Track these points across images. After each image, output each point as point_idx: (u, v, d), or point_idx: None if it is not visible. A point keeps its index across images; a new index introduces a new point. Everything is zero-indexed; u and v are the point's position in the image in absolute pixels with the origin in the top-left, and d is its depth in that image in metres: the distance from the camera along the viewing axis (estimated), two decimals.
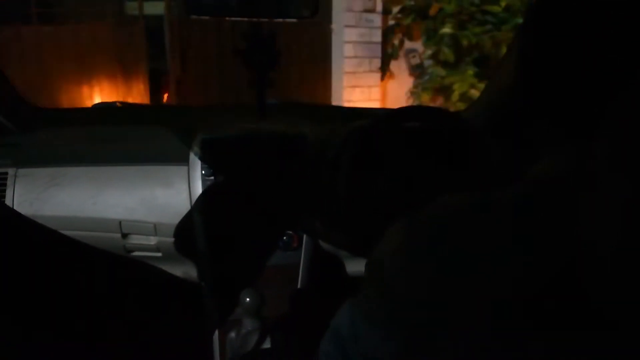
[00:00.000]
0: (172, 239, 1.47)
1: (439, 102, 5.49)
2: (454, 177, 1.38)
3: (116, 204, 1.44)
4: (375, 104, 5.95)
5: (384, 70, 5.97)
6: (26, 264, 1.28)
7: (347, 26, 5.60)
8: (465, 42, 5.14)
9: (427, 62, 5.69)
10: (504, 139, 1.60)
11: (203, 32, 5.13)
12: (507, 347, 0.45)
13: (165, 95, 5.31)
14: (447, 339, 0.50)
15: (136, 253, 1.55)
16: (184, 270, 1.59)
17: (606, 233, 0.43)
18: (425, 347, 0.51)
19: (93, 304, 1.50)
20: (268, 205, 1.48)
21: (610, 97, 0.45)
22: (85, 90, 4.87)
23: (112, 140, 1.56)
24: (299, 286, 1.50)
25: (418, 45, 5.76)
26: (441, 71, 5.41)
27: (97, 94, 4.93)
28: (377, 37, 5.78)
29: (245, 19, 1.32)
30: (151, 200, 1.44)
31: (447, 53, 5.24)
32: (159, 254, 1.53)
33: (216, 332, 1.41)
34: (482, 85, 4.88)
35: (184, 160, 1.44)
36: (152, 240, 1.49)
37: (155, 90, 5.29)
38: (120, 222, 1.45)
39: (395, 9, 5.69)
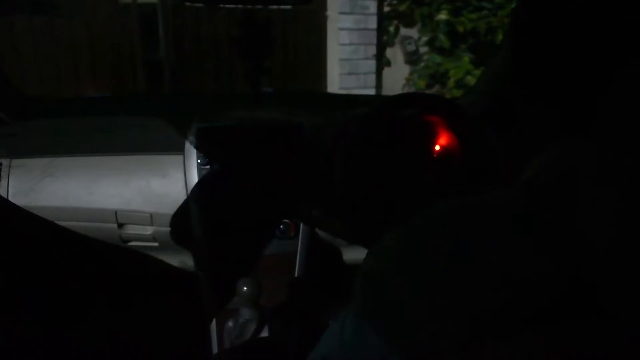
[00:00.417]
0: (169, 229, 1.47)
1: (435, 89, 5.48)
2: (449, 164, 1.38)
3: (112, 194, 1.43)
4: (371, 92, 5.93)
5: (380, 57, 5.95)
6: (21, 256, 1.28)
7: (342, 13, 5.57)
8: (461, 29, 5.12)
9: (423, 49, 5.67)
10: (500, 126, 1.60)
11: (197, 21, 5.09)
12: (507, 346, 0.44)
13: (160, 84, 5.29)
14: (448, 343, 0.49)
15: (132, 243, 1.55)
16: (181, 259, 1.59)
17: (604, 228, 0.43)
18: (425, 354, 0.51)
19: (89, 295, 1.50)
20: (264, 194, 1.47)
21: (605, 89, 0.44)
22: (79, 79, 4.85)
23: (106, 130, 1.55)
24: (296, 275, 1.50)
25: (414, 31, 5.74)
26: (437, 58, 5.39)
27: (92, 84, 4.91)
28: (373, 23, 5.76)
29: (240, 6, 1.30)
30: (147, 190, 1.43)
31: (443, 40, 5.22)
32: (156, 244, 1.53)
33: (213, 322, 1.41)
34: (478, 72, 4.87)
35: (180, 150, 1.44)
36: (149, 230, 1.49)
37: (149, 79, 5.27)
38: (116, 212, 1.44)
39: None
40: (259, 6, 1.31)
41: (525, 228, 0.49)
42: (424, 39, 5.52)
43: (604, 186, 0.42)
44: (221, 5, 1.48)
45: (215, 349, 1.40)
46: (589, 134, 0.44)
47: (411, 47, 5.86)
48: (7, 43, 4.42)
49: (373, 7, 5.70)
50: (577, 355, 0.40)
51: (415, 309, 0.52)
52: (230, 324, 1.33)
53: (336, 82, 5.76)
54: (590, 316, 0.44)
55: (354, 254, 1.67)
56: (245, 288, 1.25)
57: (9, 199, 1.40)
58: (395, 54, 6.01)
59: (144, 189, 1.43)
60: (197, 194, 1.42)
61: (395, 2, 5.61)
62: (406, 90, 5.64)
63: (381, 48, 5.92)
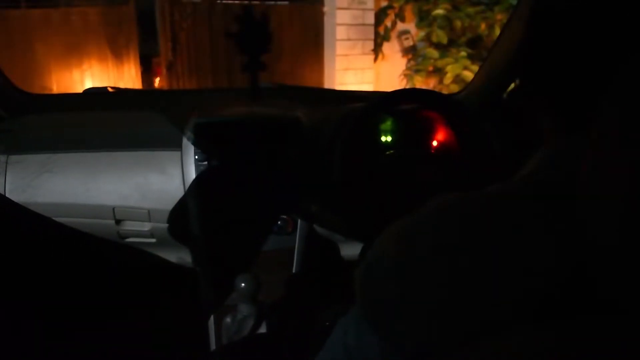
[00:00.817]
0: (166, 225, 1.47)
1: (432, 84, 5.48)
2: (447, 159, 1.38)
3: (109, 190, 1.43)
4: (369, 87, 5.93)
5: (377, 52, 5.94)
6: (19, 252, 1.27)
7: (339, 8, 5.56)
8: (458, 24, 5.12)
9: (420, 44, 5.67)
10: (497, 121, 1.60)
11: (194, 15, 5.08)
12: (509, 342, 0.44)
13: (157, 79, 5.28)
14: (448, 339, 0.49)
15: (130, 239, 1.54)
16: (179, 255, 1.59)
17: (604, 224, 0.43)
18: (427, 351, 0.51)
19: (87, 291, 1.50)
20: (262, 190, 1.47)
21: (606, 86, 0.44)
22: (76, 75, 4.83)
23: (104, 125, 1.54)
24: (294, 271, 1.50)
25: (411, 26, 5.74)
26: (434, 53, 5.39)
27: (88, 79, 4.89)
28: (370, 19, 5.75)
29: (237, 1, 1.30)
30: (145, 186, 1.43)
31: (440, 35, 5.22)
32: (153, 240, 1.53)
33: (212, 318, 1.41)
34: (475, 67, 4.87)
35: (177, 146, 1.43)
36: (146, 226, 1.49)
37: (146, 75, 5.26)
38: (113, 209, 1.44)
39: None
40: (257, 1, 1.30)
41: (525, 222, 0.49)
42: (421, 34, 5.51)
43: (603, 183, 0.42)
44: (219, 0, 1.47)
45: (213, 345, 1.40)
46: (589, 130, 0.44)
47: (408, 42, 5.85)
48: (3, 37, 4.40)
49: (370, 3, 5.69)
50: (582, 351, 0.40)
51: (414, 307, 0.52)
52: (229, 320, 1.33)
53: (334, 77, 5.75)
54: (595, 311, 0.44)
55: (351, 250, 1.67)
56: (243, 284, 1.25)
57: (7, 195, 1.40)
58: (392, 49, 6.00)
59: (141, 185, 1.43)
60: (195, 190, 1.42)
61: None
62: (403, 85, 5.64)
63: (378, 43, 5.91)
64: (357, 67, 5.83)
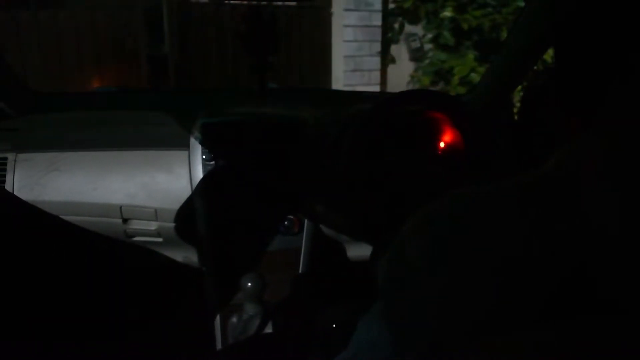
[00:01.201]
0: (173, 224, 1.47)
1: (439, 86, 5.47)
2: (453, 160, 1.38)
3: (117, 189, 1.44)
4: (376, 88, 5.92)
5: (384, 54, 5.94)
6: (27, 250, 1.28)
7: (346, 10, 5.56)
8: (465, 26, 5.11)
9: (428, 46, 5.66)
10: (503, 122, 1.60)
11: (202, 16, 5.09)
12: (515, 340, 0.44)
13: (165, 80, 5.29)
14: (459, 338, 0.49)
15: (137, 238, 1.55)
16: (185, 255, 1.59)
17: (609, 221, 0.43)
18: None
19: (94, 289, 1.51)
20: (269, 190, 1.47)
21: (616, 84, 0.44)
22: (84, 74, 4.85)
23: (111, 125, 1.55)
24: (300, 271, 1.50)
25: (418, 29, 5.73)
26: (441, 55, 5.38)
27: (96, 79, 4.91)
28: (377, 20, 5.75)
29: (245, 2, 1.30)
30: (152, 185, 1.44)
31: (448, 37, 5.21)
32: (160, 239, 1.53)
33: (217, 317, 1.41)
34: (482, 69, 4.86)
35: (185, 145, 1.44)
36: (153, 226, 1.49)
37: (154, 75, 5.27)
38: (120, 208, 1.45)
39: None
40: (264, 2, 1.31)
41: (527, 220, 0.49)
42: (429, 36, 5.51)
43: (610, 180, 0.42)
44: (227, 1, 1.47)
45: (219, 345, 1.40)
46: (598, 128, 0.44)
47: (416, 44, 5.85)
48: (12, 37, 4.43)
49: (378, 4, 5.69)
50: (585, 350, 0.40)
51: (427, 306, 0.52)
52: (234, 319, 1.33)
53: (341, 78, 5.75)
54: (595, 311, 0.44)
55: (358, 250, 1.67)
56: (249, 284, 1.25)
57: (15, 193, 1.41)
58: (399, 51, 6.00)
59: (148, 185, 1.44)
60: (202, 190, 1.42)
61: None
62: (410, 87, 5.63)
63: (386, 45, 5.91)
64: (364, 69, 5.83)
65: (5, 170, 1.43)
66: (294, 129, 1.47)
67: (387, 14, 5.75)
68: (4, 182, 1.42)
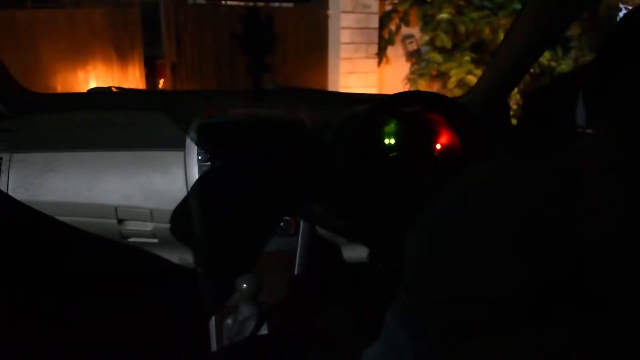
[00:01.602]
0: (169, 225, 1.47)
1: (436, 88, 5.48)
2: (450, 162, 1.38)
3: (112, 190, 1.43)
4: (372, 90, 5.93)
5: (381, 56, 5.95)
6: (21, 250, 1.28)
7: (343, 12, 5.57)
8: (462, 28, 5.12)
9: (424, 48, 5.67)
10: (501, 125, 1.60)
11: (199, 17, 5.08)
12: (519, 337, 0.44)
13: (161, 80, 5.28)
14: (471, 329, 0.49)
15: (132, 239, 1.54)
16: (181, 256, 1.59)
17: (606, 225, 0.43)
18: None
19: (88, 290, 1.50)
20: (265, 191, 1.47)
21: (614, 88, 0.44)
22: (80, 75, 4.84)
23: (107, 125, 1.54)
24: (295, 272, 1.50)
25: (415, 31, 5.74)
26: (438, 57, 5.39)
27: (93, 79, 4.90)
28: (374, 23, 5.76)
29: (242, 3, 1.30)
30: (147, 186, 1.43)
31: (444, 39, 5.22)
32: (155, 240, 1.53)
33: (213, 318, 1.41)
34: (479, 72, 4.87)
35: (180, 146, 1.43)
36: (149, 226, 1.49)
37: (150, 75, 5.26)
38: (116, 208, 1.44)
39: None
40: (261, 3, 1.30)
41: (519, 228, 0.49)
42: (425, 38, 5.52)
43: (608, 184, 0.42)
44: (224, 2, 1.47)
45: (214, 346, 1.40)
46: (597, 132, 0.44)
47: (412, 46, 5.86)
48: (9, 36, 4.42)
49: (375, 6, 5.70)
50: (587, 351, 0.40)
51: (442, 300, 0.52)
52: (230, 321, 1.33)
53: (337, 80, 5.76)
54: (591, 310, 0.44)
55: (354, 252, 1.67)
56: (244, 285, 1.25)
57: (9, 193, 1.40)
58: (396, 53, 6.00)
59: (144, 185, 1.43)
60: (198, 191, 1.42)
61: (396, 1, 5.61)
62: (407, 89, 5.63)
63: (382, 47, 5.91)
64: (361, 71, 5.83)
65: (0, 170, 1.42)
66: (290, 130, 1.46)
67: (383, 16, 5.76)
68: None
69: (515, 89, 1.63)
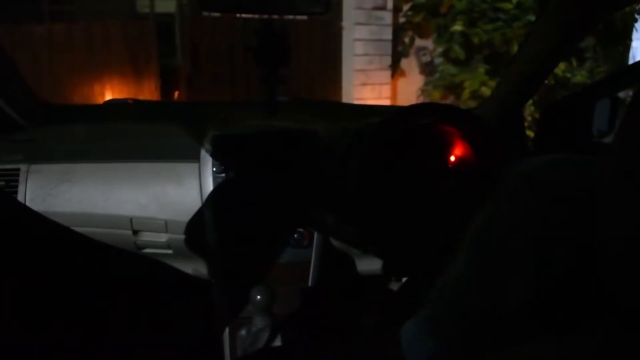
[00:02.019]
0: (183, 236, 1.47)
1: (449, 100, 5.46)
2: (464, 174, 1.38)
3: (127, 201, 1.44)
4: (386, 102, 5.93)
5: (395, 68, 5.95)
6: (38, 261, 1.28)
7: (357, 24, 5.58)
8: (476, 40, 5.11)
9: (438, 60, 5.66)
10: (516, 136, 1.59)
11: (214, 30, 5.12)
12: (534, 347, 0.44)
13: (176, 93, 5.32)
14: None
15: (147, 250, 1.55)
16: (195, 267, 1.59)
17: (620, 232, 0.42)
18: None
19: (104, 301, 1.51)
20: (279, 203, 1.47)
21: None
22: (96, 87, 4.89)
23: (123, 137, 1.56)
24: (309, 284, 1.49)
25: (429, 42, 5.74)
26: (452, 69, 5.38)
27: (109, 91, 4.95)
28: (388, 34, 5.76)
29: (257, 16, 1.31)
30: (162, 197, 1.44)
31: (458, 51, 5.21)
32: (170, 251, 1.54)
33: (226, 330, 1.41)
34: (493, 83, 4.86)
35: (195, 157, 1.44)
36: (163, 237, 1.49)
37: (166, 88, 5.30)
38: (131, 219, 1.45)
39: (406, 7, 5.66)
40: (275, 16, 1.31)
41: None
42: (439, 49, 5.51)
43: (622, 191, 0.42)
44: (238, 15, 1.48)
45: (227, 358, 1.39)
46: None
47: (426, 58, 5.85)
48: (27, 49, 4.48)
49: (388, 18, 5.70)
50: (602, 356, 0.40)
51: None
52: (243, 332, 1.32)
53: (351, 92, 5.76)
54: (612, 319, 0.44)
55: (368, 264, 1.66)
56: (258, 296, 1.25)
57: (27, 204, 1.41)
58: (410, 64, 6.00)
59: (159, 196, 1.44)
60: (212, 202, 1.42)
61: (410, 13, 5.61)
62: (421, 101, 5.63)
63: (396, 59, 5.92)
64: (375, 83, 5.84)
65: (17, 181, 1.44)
66: (304, 142, 1.47)
67: (397, 28, 5.77)
68: (16, 192, 1.43)
69: (530, 101, 1.62)
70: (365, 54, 5.70)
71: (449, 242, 0.63)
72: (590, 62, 5.26)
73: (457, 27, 5.17)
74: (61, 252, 1.42)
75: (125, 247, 1.52)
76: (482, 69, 5.20)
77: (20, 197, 1.42)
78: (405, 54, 5.89)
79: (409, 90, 5.94)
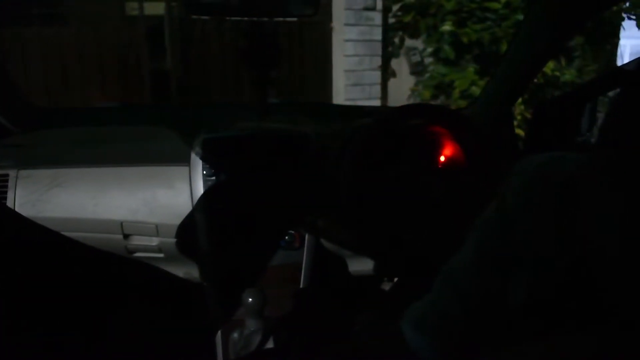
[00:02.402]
0: (174, 240, 1.47)
1: (440, 100, 5.48)
2: (454, 174, 1.38)
3: (118, 205, 1.44)
4: (376, 103, 5.94)
5: (385, 68, 5.95)
6: (27, 266, 1.28)
7: (347, 24, 5.59)
8: (465, 40, 5.13)
9: (428, 60, 5.68)
10: (506, 136, 1.60)
11: (203, 32, 5.12)
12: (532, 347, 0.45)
13: (166, 95, 5.31)
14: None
15: (138, 254, 1.55)
16: (186, 270, 1.59)
17: (607, 232, 0.43)
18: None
19: (95, 306, 1.50)
20: (270, 205, 1.47)
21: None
22: (86, 90, 4.88)
23: (113, 140, 1.55)
24: (301, 286, 1.49)
25: (418, 43, 5.75)
26: (442, 69, 5.39)
27: (99, 95, 4.94)
28: (378, 35, 5.77)
29: (246, 18, 1.31)
30: (153, 201, 1.44)
31: (448, 50, 5.23)
32: (161, 255, 1.53)
33: (219, 333, 1.40)
34: (483, 83, 4.87)
35: (185, 161, 1.44)
36: (154, 241, 1.49)
37: (155, 90, 5.29)
38: (121, 223, 1.45)
39: (396, 7, 5.68)
40: (265, 18, 1.31)
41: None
42: (429, 50, 5.53)
43: (607, 191, 0.42)
44: (228, 18, 1.48)
45: None
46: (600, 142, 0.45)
47: (416, 58, 5.87)
48: (16, 53, 4.46)
49: (378, 19, 5.71)
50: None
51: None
52: (236, 335, 1.32)
53: (342, 93, 5.76)
54: (602, 321, 0.44)
55: (359, 265, 1.66)
56: (250, 299, 1.25)
57: (16, 209, 1.41)
58: (400, 65, 6.01)
59: (149, 200, 1.44)
60: (203, 205, 1.42)
61: (400, 13, 5.62)
62: (411, 101, 5.64)
63: (386, 59, 5.92)
64: (365, 83, 5.84)
65: (6, 186, 1.43)
66: (294, 144, 1.47)
67: (387, 29, 5.78)
68: (5, 198, 1.42)
69: (520, 99, 1.63)
70: (356, 55, 5.70)
71: (442, 240, 0.63)
72: (578, 60, 5.29)
73: (447, 27, 5.18)
74: (52, 258, 1.41)
75: (116, 251, 1.51)
76: (471, 68, 5.21)
77: (9, 203, 1.41)
78: (395, 54, 5.90)
79: (399, 90, 5.95)
